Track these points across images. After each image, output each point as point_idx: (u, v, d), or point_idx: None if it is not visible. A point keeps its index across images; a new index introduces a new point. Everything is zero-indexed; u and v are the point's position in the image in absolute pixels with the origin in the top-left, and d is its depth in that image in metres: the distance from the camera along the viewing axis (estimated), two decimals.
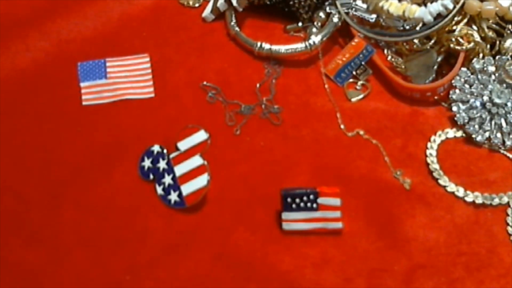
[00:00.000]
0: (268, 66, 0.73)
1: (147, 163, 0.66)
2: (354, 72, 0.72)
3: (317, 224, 0.62)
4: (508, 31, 0.69)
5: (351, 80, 0.72)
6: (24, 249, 0.62)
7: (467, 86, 0.68)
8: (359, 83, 0.72)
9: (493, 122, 0.67)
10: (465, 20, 0.69)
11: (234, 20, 0.75)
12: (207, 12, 0.76)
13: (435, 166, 0.65)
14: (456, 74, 0.68)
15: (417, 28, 0.70)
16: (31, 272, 0.61)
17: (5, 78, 0.73)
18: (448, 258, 0.61)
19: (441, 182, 0.65)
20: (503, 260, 0.61)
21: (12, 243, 0.63)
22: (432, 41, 0.71)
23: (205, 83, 0.72)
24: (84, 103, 0.71)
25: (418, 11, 0.69)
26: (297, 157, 0.67)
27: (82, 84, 0.72)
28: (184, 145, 0.66)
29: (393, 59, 0.72)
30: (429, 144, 0.67)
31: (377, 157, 0.67)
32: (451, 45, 0.70)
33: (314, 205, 0.62)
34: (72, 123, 0.70)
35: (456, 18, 0.69)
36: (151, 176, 0.66)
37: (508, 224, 0.62)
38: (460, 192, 0.64)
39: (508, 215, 0.63)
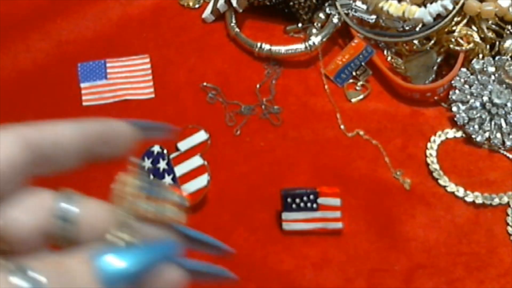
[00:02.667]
0: (268, 67, 0.73)
1: (147, 163, 0.66)
2: (354, 73, 0.72)
3: (317, 224, 0.62)
4: (508, 32, 0.69)
5: (351, 80, 0.72)
6: None
7: (466, 86, 0.68)
8: (359, 83, 0.72)
9: (493, 123, 0.67)
10: (465, 21, 0.69)
11: (234, 21, 0.75)
12: (207, 13, 0.76)
13: (435, 166, 0.65)
14: (455, 74, 0.68)
15: (417, 29, 0.70)
16: None
17: (5, 79, 0.73)
18: (448, 258, 0.61)
19: (441, 182, 0.65)
20: (503, 260, 0.61)
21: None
22: (432, 42, 0.71)
23: (205, 83, 0.72)
24: (84, 103, 0.71)
25: (417, 12, 0.69)
26: (297, 157, 0.67)
27: (82, 85, 0.72)
28: (184, 145, 0.67)
29: (393, 60, 0.73)
30: (429, 145, 0.67)
31: (377, 157, 0.67)
32: (451, 46, 0.70)
33: (314, 205, 0.62)
34: None
35: (455, 19, 0.69)
36: (151, 177, 0.66)
37: (508, 224, 0.62)
38: (460, 192, 0.64)
39: (508, 215, 0.63)
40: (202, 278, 0.37)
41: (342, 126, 0.69)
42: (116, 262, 0.30)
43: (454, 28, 0.70)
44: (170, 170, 0.65)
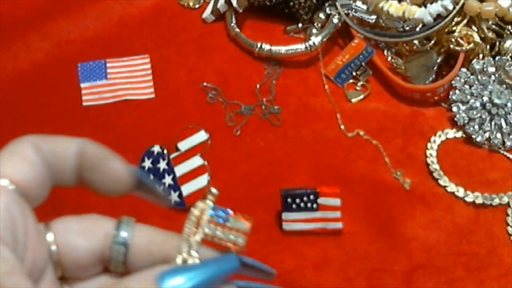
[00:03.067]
0: (268, 67, 0.73)
1: (147, 163, 0.66)
2: (354, 73, 0.72)
3: (317, 224, 0.62)
4: (508, 32, 0.69)
5: (351, 80, 0.72)
6: None
7: (467, 86, 0.68)
8: (359, 83, 0.72)
9: (493, 123, 0.67)
10: (465, 21, 0.69)
11: (234, 21, 0.75)
12: (207, 13, 0.76)
13: (435, 166, 0.65)
14: (456, 74, 0.68)
15: (417, 29, 0.70)
16: None
17: (5, 79, 0.73)
18: (448, 258, 0.61)
19: (441, 182, 0.65)
20: (503, 260, 0.61)
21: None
22: (432, 42, 0.71)
23: (205, 83, 0.72)
24: (84, 103, 0.71)
25: (418, 12, 0.69)
26: (297, 158, 0.67)
27: (82, 85, 0.72)
28: (184, 145, 0.67)
29: (393, 60, 0.73)
30: (429, 145, 0.67)
31: (377, 158, 0.67)
32: (451, 46, 0.70)
33: (314, 205, 0.62)
34: (73, 124, 0.70)
35: (456, 19, 0.69)
36: (152, 177, 0.66)
37: (508, 224, 0.62)
38: (460, 192, 0.64)
39: (508, 215, 0.63)
40: None
41: (342, 126, 0.69)
42: (181, 281, 0.30)
43: (454, 28, 0.70)
44: (170, 170, 0.65)
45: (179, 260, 0.33)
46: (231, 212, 0.35)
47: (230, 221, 0.34)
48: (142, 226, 0.35)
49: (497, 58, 0.68)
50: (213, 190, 0.36)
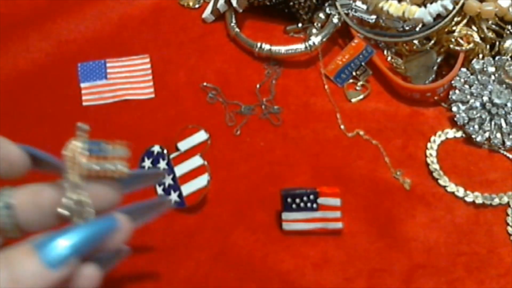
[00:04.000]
0: (268, 67, 0.73)
1: (147, 163, 0.66)
2: (354, 73, 0.72)
3: (317, 224, 0.62)
4: (508, 32, 0.69)
5: (351, 80, 0.72)
6: None
7: (466, 86, 0.68)
8: (359, 83, 0.72)
9: (493, 123, 0.67)
10: (465, 21, 0.69)
11: (234, 21, 0.75)
12: (207, 13, 0.76)
13: (435, 166, 0.66)
14: (455, 74, 0.68)
15: (417, 29, 0.71)
16: None
17: (5, 79, 0.73)
18: (448, 258, 0.61)
19: (441, 182, 0.65)
20: (503, 260, 0.61)
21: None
22: (432, 42, 0.71)
23: (205, 83, 0.72)
24: (84, 103, 0.71)
25: (417, 12, 0.69)
26: (297, 157, 0.67)
27: (82, 85, 0.72)
28: (184, 145, 0.67)
29: (393, 60, 0.73)
30: (429, 145, 0.67)
31: (377, 158, 0.67)
32: (451, 46, 0.70)
33: (314, 205, 0.62)
34: (73, 124, 0.70)
35: (455, 19, 0.69)
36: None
37: (508, 224, 0.62)
38: (460, 192, 0.64)
39: (508, 215, 0.63)
40: (144, 214, 0.41)
41: (342, 126, 0.69)
42: (57, 247, 0.31)
43: (454, 28, 0.70)
44: (170, 170, 0.65)
45: (66, 202, 0.34)
46: (104, 143, 0.35)
47: (106, 151, 0.35)
48: (23, 186, 0.35)
49: (497, 58, 0.68)
50: (82, 125, 0.36)
